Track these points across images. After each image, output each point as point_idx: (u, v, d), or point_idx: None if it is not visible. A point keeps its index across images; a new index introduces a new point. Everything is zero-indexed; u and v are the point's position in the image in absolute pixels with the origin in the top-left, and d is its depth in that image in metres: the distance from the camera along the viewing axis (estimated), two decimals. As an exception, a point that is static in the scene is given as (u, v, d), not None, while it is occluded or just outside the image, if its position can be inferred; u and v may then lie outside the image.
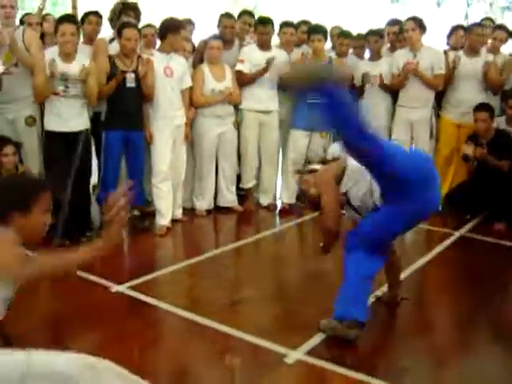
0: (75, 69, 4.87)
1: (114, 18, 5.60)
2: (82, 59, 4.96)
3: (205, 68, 5.81)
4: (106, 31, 5.86)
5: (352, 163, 3.41)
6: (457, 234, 5.51)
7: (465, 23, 6.76)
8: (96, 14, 5.71)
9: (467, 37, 6.32)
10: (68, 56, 4.86)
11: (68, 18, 4.98)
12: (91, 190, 5.48)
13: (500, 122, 5.98)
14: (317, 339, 3.39)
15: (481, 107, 5.83)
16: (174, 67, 5.43)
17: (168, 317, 3.77)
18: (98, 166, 5.54)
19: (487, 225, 5.72)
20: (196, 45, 6.26)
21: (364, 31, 6.59)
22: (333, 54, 6.36)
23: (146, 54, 5.40)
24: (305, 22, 6.82)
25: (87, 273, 4.28)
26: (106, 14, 5.81)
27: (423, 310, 4.08)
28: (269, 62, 5.88)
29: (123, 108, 5.19)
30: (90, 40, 5.60)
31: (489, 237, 5.39)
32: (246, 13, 6.75)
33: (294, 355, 3.20)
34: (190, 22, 6.54)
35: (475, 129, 5.85)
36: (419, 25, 6.05)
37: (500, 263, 4.84)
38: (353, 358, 3.22)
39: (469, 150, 5.83)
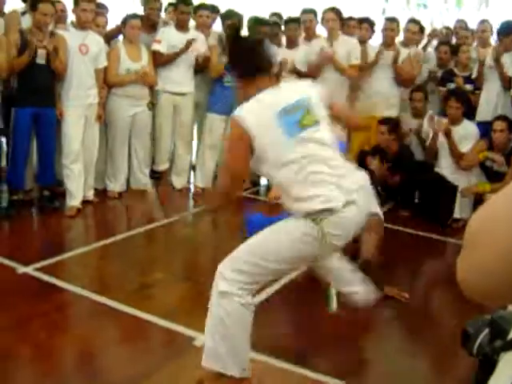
0: None
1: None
2: None
3: (121, 47, 5.69)
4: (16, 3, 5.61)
5: None
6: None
7: (382, 18, 6.93)
8: None
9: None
10: None
11: None
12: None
13: (405, 117, 6.17)
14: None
15: (384, 121, 5.87)
16: (90, 45, 5.30)
17: (77, 300, 3.71)
18: (6, 145, 5.33)
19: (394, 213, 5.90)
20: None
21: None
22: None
23: (61, 30, 5.24)
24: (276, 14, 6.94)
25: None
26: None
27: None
28: (189, 43, 5.84)
29: (33, 85, 4.99)
30: None
31: (395, 224, 5.55)
32: None
33: (202, 338, 3.21)
34: (101, 6, 6.24)
35: (379, 141, 5.85)
36: (338, 15, 6.16)
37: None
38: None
39: (373, 165, 5.74)
